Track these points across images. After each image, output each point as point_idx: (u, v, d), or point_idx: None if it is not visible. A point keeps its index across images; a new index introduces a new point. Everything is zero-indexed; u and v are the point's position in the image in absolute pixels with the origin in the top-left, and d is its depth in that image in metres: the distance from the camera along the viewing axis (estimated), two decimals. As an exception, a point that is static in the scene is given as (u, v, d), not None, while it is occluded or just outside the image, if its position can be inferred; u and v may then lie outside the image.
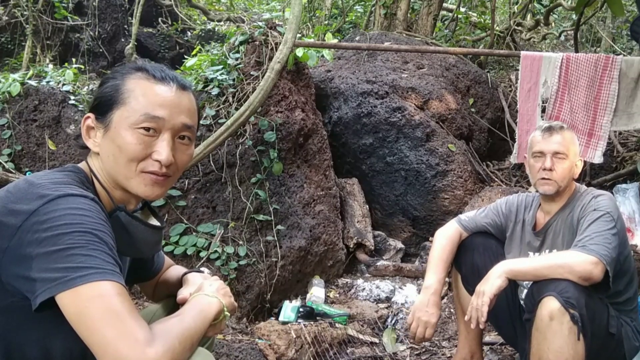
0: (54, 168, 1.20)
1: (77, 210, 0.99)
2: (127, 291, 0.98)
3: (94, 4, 6.34)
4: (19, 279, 0.96)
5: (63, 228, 0.95)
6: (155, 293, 1.49)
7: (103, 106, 1.14)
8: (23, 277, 0.96)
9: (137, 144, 1.11)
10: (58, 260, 0.93)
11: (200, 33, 7.31)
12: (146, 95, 1.12)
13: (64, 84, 3.29)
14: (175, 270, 1.48)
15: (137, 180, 1.14)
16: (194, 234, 2.84)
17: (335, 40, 4.39)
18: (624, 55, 4.03)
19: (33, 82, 3.21)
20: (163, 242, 2.76)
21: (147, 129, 1.11)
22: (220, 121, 2.98)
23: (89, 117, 1.16)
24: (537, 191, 2.11)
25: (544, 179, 1.97)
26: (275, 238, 2.96)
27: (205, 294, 1.18)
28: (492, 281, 1.78)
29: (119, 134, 1.11)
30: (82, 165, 1.19)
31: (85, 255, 0.95)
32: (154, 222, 1.27)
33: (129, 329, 0.92)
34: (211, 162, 2.98)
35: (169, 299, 1.40)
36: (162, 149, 1.12)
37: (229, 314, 1.20)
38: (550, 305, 1.64)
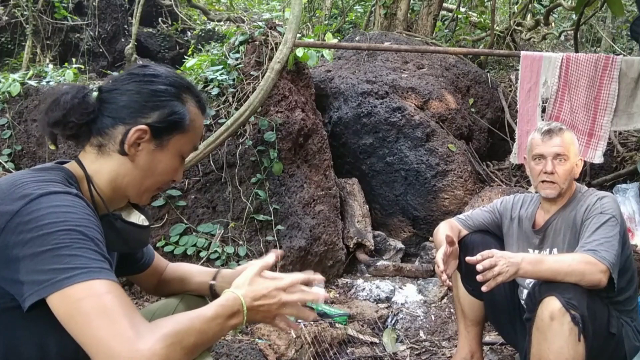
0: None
1: (60, 208, 0.98)
2: (118, 285, 0.96)
3: (94, 4, 6.34)
4: (6, 281, 0.96)
5: (47, 228, 0.94)
6: (164, 288, 1.49)
7: (165, 129, 1.15)
8: (11, 279, 0.95)
9: (176, 169, 1.21)
10: (44, 262, 0.93)
11: (200, 33, 7.32)
12: (198, 129, 1.22)
13: (64, 85, 3.28)
14: (188, 268, 1.50)
15: (149, 196, 1.22)
16: (194, 234, 2.84)
17: (335, 40, 4.39)
18: (624, 55, 4.03)
19: (33, 82, 3.21)
20: (163, 242, 2.78)
21: (183, 157, 1.21)
22: (220, 121, 2.98)
23: (146, 132, 1.12)
24: (536, 192, 2.11)
25: (545, 182, 1.97)
26: (275, 238, 2.96)
27: (242, 299, 1.08)
28: (512, 268, 1.67)
29: (168, 158, 1.17)
30: (70, 165, 1.16)
31: (70, 255, 0.94)
32: (141, 219, 1.27)
33: (118, 326, 0.91)
34: (211, 162, 2.98)
35: (187, 296, 1.42)
36: (181, 174, 1.25)
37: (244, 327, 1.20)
38: (551, 305, 1.64)
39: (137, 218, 1.26)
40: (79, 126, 1.13)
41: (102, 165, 1.14)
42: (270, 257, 1.19)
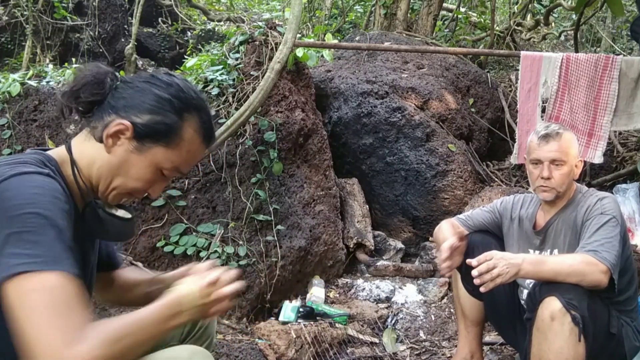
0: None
1: (29, 189, 0.98)
2: (73, 278, 0.94)
3: (94, 4, 6.33)
4: None
5: (14, 210, 0.94)
6: (131, 299, 1.44)
7: (149, 134, 1.12)
8: None
9: (149, 181, 1.16)
10: (7, 245, 0.92)
11: (200, 33, 7.31)
12: (189, 152, 1.17)
13: (64, 84, 3.28)
14: (132, 280, 1.43)
15: (116, 196, 1.17)
16: (194, 234, 2.84)
17: (335, 40, 4.39)
18: (624, 55, 4.03)
19: (33, 82, 3.20)
20: (163, 242, 2.77)
21: (163, 174, 1.17)
22: (220, 121, 2.98)
23: (128, 128, 1.11)
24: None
25: (542, 186, 1.98)
26: (275, 238, 2.96)
27: (183, 298, 1.08)
28: (512, 269, 1.67)
29: (142, 165, 1.13)
30: (54, 150, 1.16)
31: (32, 241, 0.93)
32: (121, 212, 1.26)
33: (51, 328, 0.88)
34: (211, 162, 2.98)
35: None
36: (158, 190, 1.20)
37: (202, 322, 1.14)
38: (551, 305, 1.64)
39: (118, 212, 1.25)
40: (85, 104, 1.15)
41: (86, 149, 1.16)
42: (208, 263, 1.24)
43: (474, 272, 1.65)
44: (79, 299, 0.94)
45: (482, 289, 1.67)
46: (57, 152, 1.16)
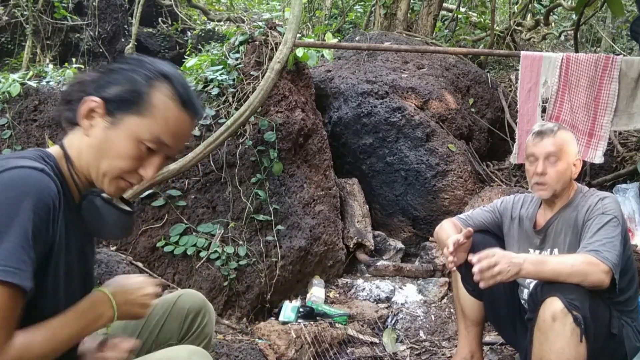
0: None
1: (15, 187, 0.99)
2: (16, 291, 0.96)
3: (94, 4, 6.34)
4: None
5: None
6: None
7: (119, 105, 1.10)
8: None
9: (134, 159, 1.12)
10: None
11: (200, 33, 7.31)
12: (166, 119, 1.11)
13: (64, 84, 3.28)
14: None
15: (111, 183, 1.15)
16: (194, 234, 2.84)
17: (335, 40, 4.39)
18: (624, 55, 4.03)
19: (33, 83, 3.20)
20: (163, 242, 2.77)
21: (149, 148, 1.12)
22: (220, 121, 2.98)
23: (99, 104, 1.11)
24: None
25: (537, 183, 1.96)
26: (275, 238, 2.96)
27: (109, 295, 1.15)
28: (513, 268, 1.67)
29: (121, 140, 1.10)
30: (53, 148, 1.17)
31: None
32: (124, 206, 1.25)
33: None
34: (211, 162, 2.98)
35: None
36: (150, 170, 1.14)
37: (108, 331, 1.16)
38: (553, 305, 1.64)
39: (120, 204, 1.25)
40: (73, 103, 1.15)
41: (74, 141, 1.16)
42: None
43: (475, 269, 1.65)
44: (11, 315, 0.97)
45: (481, 285, 1.66)
46: (55, 149, 1.17)
